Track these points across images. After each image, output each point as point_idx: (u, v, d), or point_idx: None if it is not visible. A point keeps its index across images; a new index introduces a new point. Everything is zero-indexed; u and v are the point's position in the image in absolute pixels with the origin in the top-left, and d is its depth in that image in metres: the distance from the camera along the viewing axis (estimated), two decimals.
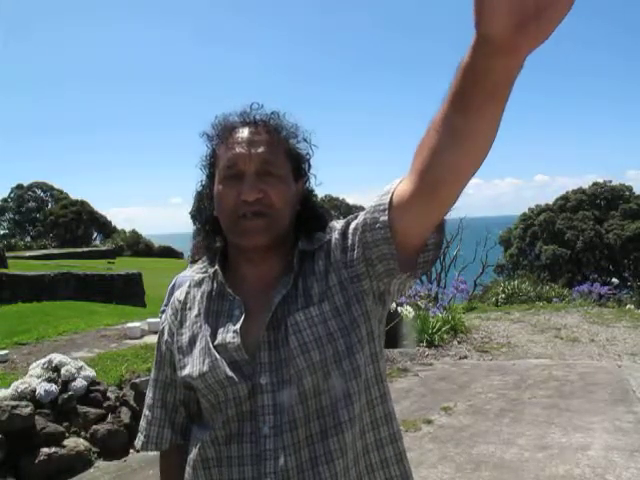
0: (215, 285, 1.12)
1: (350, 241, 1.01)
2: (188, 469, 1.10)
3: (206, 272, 1.15)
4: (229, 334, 1.04)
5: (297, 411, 0.99)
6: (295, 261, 1.06)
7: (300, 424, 0.99)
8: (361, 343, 1.01)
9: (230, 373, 1.02)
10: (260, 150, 1.05)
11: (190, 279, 1.18)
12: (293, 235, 1.11)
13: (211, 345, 1.05)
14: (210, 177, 1.12)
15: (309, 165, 1.14)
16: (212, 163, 1.12)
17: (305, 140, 1.13)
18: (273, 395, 1.00)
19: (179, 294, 1.18)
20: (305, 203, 1.13)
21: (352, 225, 1.02)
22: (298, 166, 1.11)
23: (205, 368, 1.04)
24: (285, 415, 0.99)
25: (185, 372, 1.07)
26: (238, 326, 1.04)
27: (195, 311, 1.12)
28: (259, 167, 1.04)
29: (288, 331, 1.00)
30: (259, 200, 1.02)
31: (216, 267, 1.12)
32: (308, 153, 1.14)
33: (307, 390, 0.99)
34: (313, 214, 1.13)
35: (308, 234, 1.10)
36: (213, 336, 1.06)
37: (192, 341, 1.09)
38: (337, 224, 1.09)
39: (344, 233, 1.03)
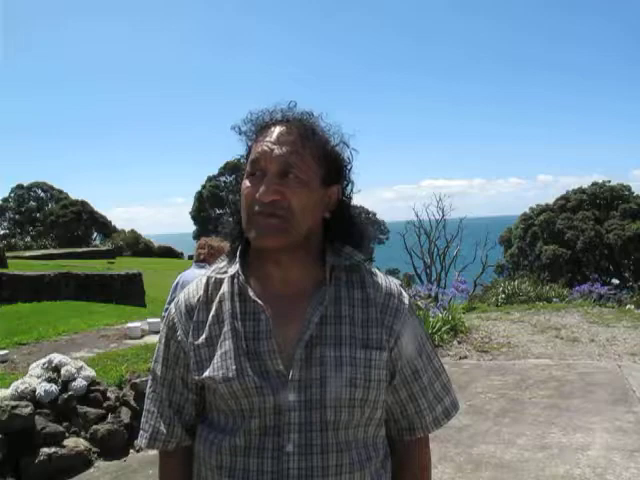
0: (236, 286, 1.07)
1: (392, 360, 1.07)
2: (203, 469, 1.07)
3: (225, 272, 1.09)
4: (263, 342, 1.01)
5: (324, 437, 1.00)
6: (328, 277, 1.04)
7: (329, 450, 1.00)
8: (382, 401, 1.08)
9: (259, 383, 0.99)
10: (284, 150, 1.01)
11: (207, 277, 1.12)
12: (321, 244, 1.08)
13: (241, 351, 1.01)
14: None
15: (347, 171, 1.09)
16: (248, 158, 1.08)
17: (344, 144, 1.08)
18: (299, 414, 0.99)
19: (194, 291, 1.11)
20: (337, 212, 1.08)
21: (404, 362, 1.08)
22: (331, 171, 1.05)
23: (231, 374, 1.00)
24: (315, 437, 0.99)
25: (206, 374, 1.03)
26: (273, 335, 1.01)
27: (213, 311, 1.07)
28: (280, 168, 1.00)
29: (327, 362, 1.00)
30: (275, 202, 0.99)
31: (237, 267, 1.07)
32: (345, 158, 1.08)
33: (330, 420, 1.00)
34: (343, 225, 1.08)
35: (335, 246, 1.07)
36: (239, 340, 1.02)
37: (211, 342, 1.05)
38: (403, 303, 1.09)
39: (396, 342, 1.06)
